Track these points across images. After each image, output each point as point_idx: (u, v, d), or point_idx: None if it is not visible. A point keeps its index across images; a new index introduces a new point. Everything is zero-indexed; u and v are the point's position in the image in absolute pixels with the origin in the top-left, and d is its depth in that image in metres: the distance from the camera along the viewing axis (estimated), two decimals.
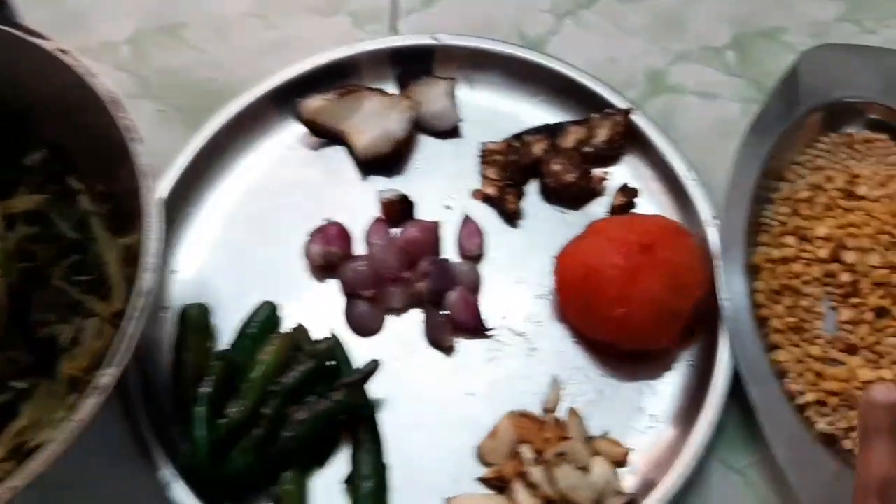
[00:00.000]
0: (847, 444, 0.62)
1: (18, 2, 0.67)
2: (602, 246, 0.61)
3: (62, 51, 0.59)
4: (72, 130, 0.61)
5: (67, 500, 0.59)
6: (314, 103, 0.70)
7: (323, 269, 0.67)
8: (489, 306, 0.67)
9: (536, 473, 0.58)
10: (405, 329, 0.66)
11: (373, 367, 0.60)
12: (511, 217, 0.69)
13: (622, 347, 0.64)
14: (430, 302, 0.65)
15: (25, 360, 0.57)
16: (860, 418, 0.46)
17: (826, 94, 0.70)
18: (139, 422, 0.60)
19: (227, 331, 0.65)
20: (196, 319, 0.63)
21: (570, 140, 0.71)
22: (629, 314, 0.60)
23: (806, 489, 0.57)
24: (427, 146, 0.73)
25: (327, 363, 0.63)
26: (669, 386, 0.64)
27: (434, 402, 0.64)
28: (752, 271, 0.67)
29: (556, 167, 0.69)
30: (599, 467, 0.60)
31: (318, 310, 0.66)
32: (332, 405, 0.59)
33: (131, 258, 0.58)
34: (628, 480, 0.61)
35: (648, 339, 0.62)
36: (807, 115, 0.69)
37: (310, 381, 0.61)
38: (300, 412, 0.59)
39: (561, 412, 0.63)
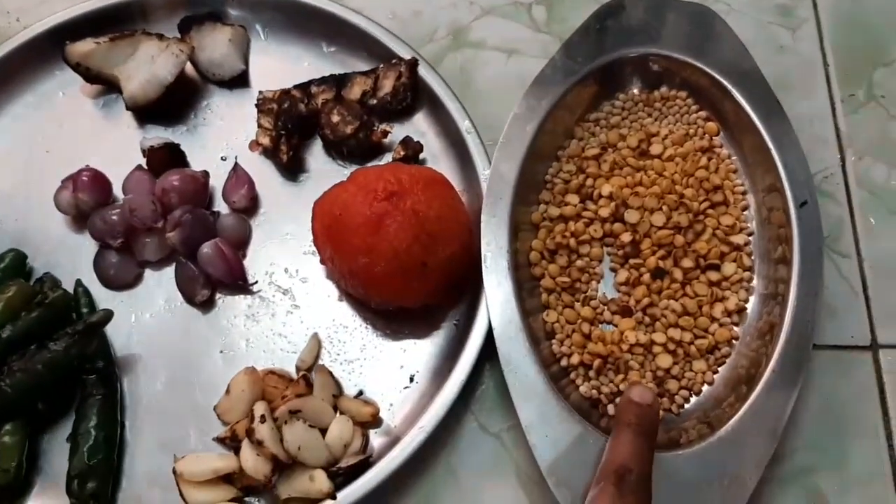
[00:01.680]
0: (611, 409, 0.59)
1: None
2: (349, 193, 0.58)
3: None
4: None
5: None
6: (83, 47, 0.66)
7: (78, 218, 0.64)
8: (255, 262, 0.64)
9: (263, 430, 0.54)
10: (163, 283, 0.63)
11: (101, 317, 0.57)
12: (288, 169, 0.66)
13: (376, 303, 0.60)
14: (183, 254, 0.62)
15: None
16: (616, 412, 0.52)
17: (621, 49, 0.67)
18: None
19: None
20: None
21: (355, 91, 0.68)
22: (372, 265, 0.57)
23: (545, 451, 0.54)
24: (210, 95, 0.70)
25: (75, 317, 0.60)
26: (431, 345, 0.61)
27: (185, 360, 0.61)
28: (532, 230, 0.64)
29: (335, 118, 0.66)
30: (338, 427, 0.57)
31: (72, 261, 0.63)
32: (51, 355, 0.56)
33: None
34: (378, 440, 0.58)
35: (396, 293, 0.59)
36: (598, 70, 0.66)
37: (44, 333, 0.57)
38: (18, 362, 0.55)
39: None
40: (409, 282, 0.58)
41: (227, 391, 0.58)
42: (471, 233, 0.60)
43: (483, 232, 0.60)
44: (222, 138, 0.68)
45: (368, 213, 0.57)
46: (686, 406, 0.60)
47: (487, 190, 0.62)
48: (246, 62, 0.70)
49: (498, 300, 0.58)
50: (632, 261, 0.63)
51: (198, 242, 0.62)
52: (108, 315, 0.57)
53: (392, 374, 0.61)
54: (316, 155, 0.68)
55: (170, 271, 0.63)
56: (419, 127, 0.69)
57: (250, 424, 0.55)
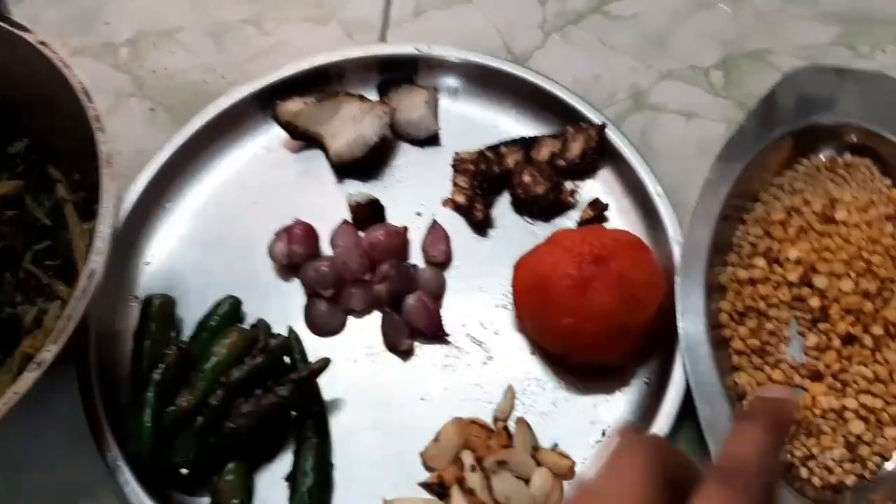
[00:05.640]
0: (803, 472, 0.60)
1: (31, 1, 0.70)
2: (556, 255, 0.61)
3: (42, 43, 0.61)
4: (51, 121, 0.64)
5: (22, 481, 0.61)
6: (292, 106, 0.71)
7: (288, 268, 0.68)
8: (450, 313, 0.67)
9: (473, 480, 0.57)
10: (364, 331, 0.67)
11: (321, 364, 0.61)
12: (479, 226, 0.70)
13: (574, 360, 0.63)
14: (389, 305, 0.66)
15: None
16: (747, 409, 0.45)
17: (806, 117, 0.69)
18: (95, 407, 0.61)
19: (193, 324, 0.66)
20: (158, 309, 0.65)
21: (543, 153, 0.71)
22: (578, 326, 0.59)
23: None
24: (405, 153, 0.74)
25: (286, 360, 0.64)
26: (623, 402, 0.63)
27: (387, 405, 0.64)
28: (719, 291, 0.66)
29: (526, 179, 0.69)
30: (540, 479, 0.59)
31: (281, 308, 0.67)
32: (276, 399, 0.60)
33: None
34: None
35: (598, 353, 0.61)
36: (785, 136, 0.68)
37: (262, 376, 0.61)
38: (246, 405, 0.60)
39: (514, 422, 0.62)
40: (611, 343, 0.60)
41: (437, 439, 0.61)
42: (666, 294, 0.62)
43: (679, 294, 0.62)
44: (416, 195, 0.72)
45: (576, 275, 0.59)
46: (879, 473, 0.61)
47: (683, 253, 0.64)
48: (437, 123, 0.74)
49: (695, 363, 0.60)
50: (821, 325, 0.64)
51: (402, 294, 0.65)
52: (327, 362, 0.61)
53: (584, 429, 0.63)
54: (504, 212, 0.71)
55: (370, 320, 0.67)
56: (603, 186, 0.71)
57: (461, 473, 0.58)
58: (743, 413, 0.44)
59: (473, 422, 0.62)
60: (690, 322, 0.62)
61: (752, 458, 0.37)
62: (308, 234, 0.68)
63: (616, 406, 0.63)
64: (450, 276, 0.69)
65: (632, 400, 0.63)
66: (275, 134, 0.74)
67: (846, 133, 0.68)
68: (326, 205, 0.71)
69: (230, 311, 0.66)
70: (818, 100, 0.69)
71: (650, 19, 0.79)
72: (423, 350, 0.66)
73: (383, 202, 0.71)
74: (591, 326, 0.59)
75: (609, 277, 0.59)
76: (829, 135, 0.69)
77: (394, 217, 0.71)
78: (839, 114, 0.68)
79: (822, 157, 0.70)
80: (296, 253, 0.67)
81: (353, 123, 0.71)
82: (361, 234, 0.69)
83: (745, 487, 0.35)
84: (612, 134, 0.71)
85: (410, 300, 0.65)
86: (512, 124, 0.74)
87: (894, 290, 0.65)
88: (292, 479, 0.60)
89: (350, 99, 0.72)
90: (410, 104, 0.73)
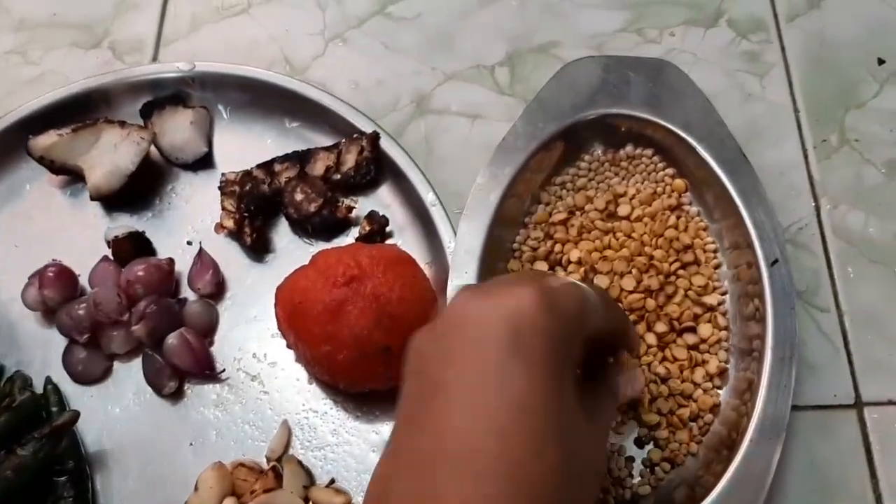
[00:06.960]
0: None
1: None
2: (309, 279, 0.57)
3: None
4: None
5: None
6: (46, 140, 0.66)
7: (47, 314, 0.64)
8: (223, 347, 0.63)
9: None
10: (132, 376, 0.62)
11: (67, 419, 0.57)
12: (253, 250, 0.66)
13: (343, 388, 0.60)
14: (152, 345, 0.61)
15: None
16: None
17: (583, 111, 0.66)
18: None
19: None
20: None
21: (318, 167, 0.67)
22: (334, 352, 0.56)
23: None
24: (175, 179, 0.70)
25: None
26: None
27: (156, 454, 0.60)
28: None
29: (298, 196, 0.66)
30: None
31: (43, 359, 0.63)
32: (19, 460, 0.55)
33: None
34: None
35: (361, 379, 0.58)
36: (556, 134, 0.65)
37: (13, 435, 0.57)
38: None
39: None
40: (373, 367, 0.57)
41: (196, 487, 0.57)
42: (437, 309, 0.59)
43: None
44: (188, 222, 0.68)
45: (328, 300, 0.56)
46: (668, 478, 0.58)
47: (452, 263, 0.61)
48: (209, 144, 0.70)
49: None
50: None
51: (164, 333, 0.61)
52: (75, 416, 0.57)
53: (366, 458, 0.60)
54: (282, 234, 0.67)
55: (139, 363, 0.63)
56: (384, 199, 0.68)
57: None
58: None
59: (241, 464, 0.58)
60: None
61: None
62: (62, 276, 0.63)
63: None
64: (224, 307, 0.65)
65: None
66: (39, 170, 0.69)
67: (621, 125, 0.66)
68: (92, 242, 0.66)
69: None
70: (595, 92, 0.67)
71: (434, 19, 0.76)
72: (194, 391, 0.62)
73: (152, 233, 0.67)
74: (349, 352, 0.56)
75: (364, 299, 0.56)
76: (603, 128, 0.66)
77: (165, 248, 0.67)
78: (613, 105, 0.66)
79: (600, 151, 0.67)
80: (49, 298, 0.62)
81: (112, 153, 0.66)
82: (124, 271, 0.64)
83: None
84: (387, 144, 0.68)
85: (171, 339, 0.61)
86: (289, 140, 0.70)
87: (677, 285, 0.63)
88: None
89: (110, 126, 0.68)
90: (174, 126, 0.68)
